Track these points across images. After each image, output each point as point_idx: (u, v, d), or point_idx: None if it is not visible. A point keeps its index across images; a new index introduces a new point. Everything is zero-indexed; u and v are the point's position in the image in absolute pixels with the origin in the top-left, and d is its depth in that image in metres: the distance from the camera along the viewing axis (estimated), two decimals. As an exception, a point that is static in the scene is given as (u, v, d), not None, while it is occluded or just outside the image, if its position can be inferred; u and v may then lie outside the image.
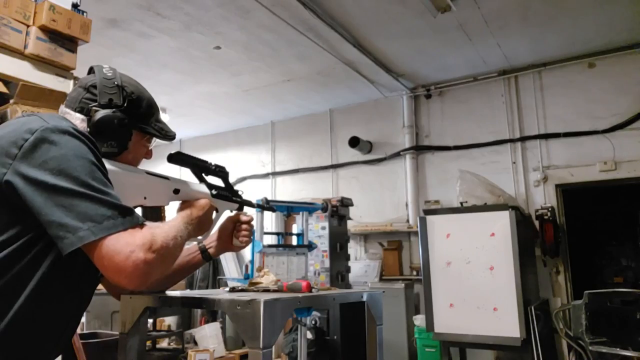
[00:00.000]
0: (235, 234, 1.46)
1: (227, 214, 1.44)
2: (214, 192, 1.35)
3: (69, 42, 2.26)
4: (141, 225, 0.97)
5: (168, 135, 1.28)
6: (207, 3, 3.80)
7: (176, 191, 1.25)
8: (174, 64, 4.89)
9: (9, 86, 2.05)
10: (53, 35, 2.18)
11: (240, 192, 1.48)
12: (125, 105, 1.15)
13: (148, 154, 1.29)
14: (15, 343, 0.94)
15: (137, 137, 1.20)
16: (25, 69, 2.10)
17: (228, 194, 1.40)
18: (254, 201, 1.58)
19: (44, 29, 2.14)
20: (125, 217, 0.94)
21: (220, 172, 1.38)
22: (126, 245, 0.91)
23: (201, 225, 1.25)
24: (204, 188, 1.34)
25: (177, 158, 1.27)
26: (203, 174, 1.35)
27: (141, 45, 4.43)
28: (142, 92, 1.21)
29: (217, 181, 1.40)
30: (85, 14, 2.37)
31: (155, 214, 1.28)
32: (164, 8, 3.86)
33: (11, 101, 1.96)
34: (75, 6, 2.35)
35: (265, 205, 1.77)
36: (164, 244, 0.99)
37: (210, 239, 1.46)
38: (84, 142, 0.97)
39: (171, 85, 5.42)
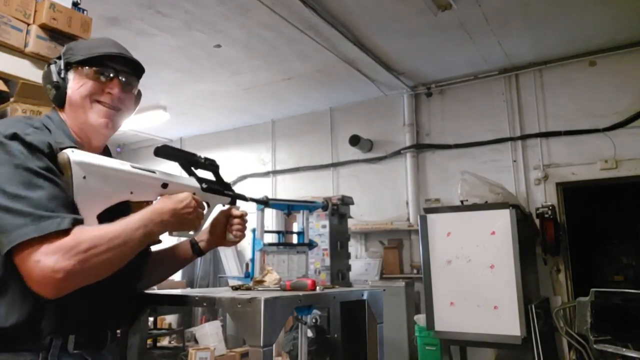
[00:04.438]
0: (228, 229, 1.43)
1: (220, 208, 1.43)
2: (203, 185, 1.31)
3: (70, 41, 2.25)
4: (65, 231, 0.94)
5: (93, 56, 1.18)
6: (207, 1, 3.79)
7: (164, 185, 1.21)
8: (174, 62, 4.89)
9: (9, 85, 2.05)
10: (53, 34, 2.17)
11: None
12: (61, 56, 1.21)
13: (100, 88, 1.18)
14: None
15: (74, 74, 1.18)
16: (26, 68, 2.09)
17: (219, 187, 1.37)
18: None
19: (44, 27, 2.14)
20: (39, 224, 0.92)
21: (211, 165, 1.34)
22: (33, 254, 0.91)
23: (182, 219, 1.18)
24: (193, 182, 1.30)
25: (163, 152, 1.23)
26: (192, 168, 1.32)
27: (141, 43, 4.43)
28: (78, 42, 1.27)
29: (208, 175, 1.37)
30: (85, 12, 2.36)
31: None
32: (164, 6, 3.85)
33: (11, 100, 1.96)
34: (75, 4, 2.34)
35: (259, 200, 1.70)
36: (91, 247, 0.96)
37: (202, 233, 1.43)
38: (18, 146, 0.98)
39: (171, 83, 5.41)
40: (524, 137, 5.14)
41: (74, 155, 1.04)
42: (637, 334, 3.11)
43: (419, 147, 5.68)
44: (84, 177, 1.03)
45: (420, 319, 4.49)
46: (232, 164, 6.87)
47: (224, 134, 7.22)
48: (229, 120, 6.80)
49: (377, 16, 4.11)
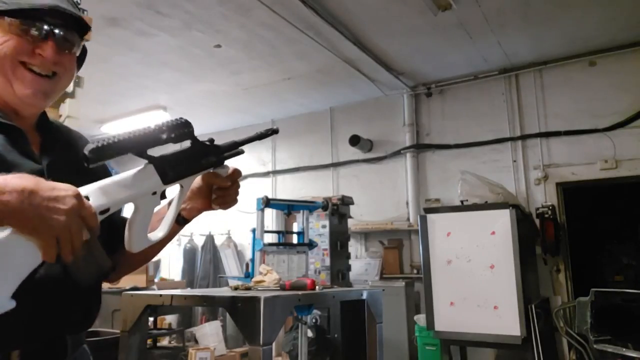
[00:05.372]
0: (213, 200, 1.12)
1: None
2: (166, 174, 0.90)
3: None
4: None
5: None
6: (207, 1, 3.79)
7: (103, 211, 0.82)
8: (174, 62, 4.89)
9: None
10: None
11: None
12: None
13: (28, 48, 0.92)
14: None
15: None
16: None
17: (191, 162, 0.96)
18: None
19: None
20: None
21: (178, 133, 0.87)
22: None
23: (35, 213, 0.68)
24: (147, 177, 0.88)
25: (96, 156, 0.77)
26: (147, 152, 0.86)
27: (141, 43, 4.43)
28: None
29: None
30: (85, 12, 2.37)
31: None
32: (164, 6, 3.85)
33: None
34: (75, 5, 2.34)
35: (262, 135, 1.20)
36: None
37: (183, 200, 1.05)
38: None
39: (171, 83, 5.41)
40: (524, 137, 5.14)
41: None
42: (637, 334, 3.11)
43: (419, 147, 5.68)
44: None
45: (420, 319, 4.49)
46: (232, 164, 6.86)
47: (223, 134, 7.22)
48: (229, 120, 6.80)
49: (377, 16, 4.11)
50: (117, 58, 4.65)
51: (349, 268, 5.00)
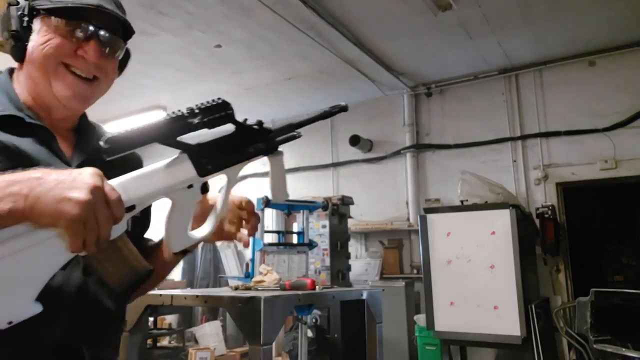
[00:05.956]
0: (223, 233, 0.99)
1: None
2: (204, 167, 0.79)
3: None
4: None
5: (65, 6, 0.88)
6: (208, 1, 3.80)
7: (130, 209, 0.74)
8: (175, 62, 4.89)
9: None
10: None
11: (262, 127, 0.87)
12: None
13: (71, 49, 0.89)
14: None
15: (40, 24, 0.90)
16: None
17: (236, 148, 0.83)
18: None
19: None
20: None
21: (216, 116, 0.76)
22: None
23: (55, 199, 0.62)
24: (180, 168, 0.77)
25: (115, 147, 0.69)
26: (177, 140, 0.75)
27: (142, 43, 4.43)
28: None
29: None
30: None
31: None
32: (165, 6, 3.86)
33: None
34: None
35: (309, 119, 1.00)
36: None
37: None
38: None
39: (173, 83, 5.42)
40: (524, 137, 5.14)
41: None
42: (637, 334, 3.11)
43: (419, 147, 5.68)
44: None
45: (420, 319, 4.50)
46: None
47: (224, 134, 7.22)
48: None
49: (377, 16, 4.11)
50: (118, 58, 4.66)
51: (349, 268, 5.00)
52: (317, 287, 1.37)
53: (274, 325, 1.08)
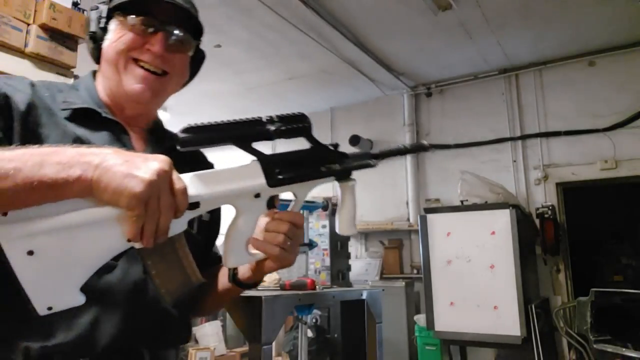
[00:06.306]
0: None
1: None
2: (275, 176, 0.76)
3: (70, 41, 2.26)
4: None
5: None
6: (209, 1, 3.80)
7: (191, 206, 0.70)
8: (174, 62, 4.90)
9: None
10: (53, 34, 2.18)
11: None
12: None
13: (140, 43, 0.91)
14: None
15: (115, 24, 0.94)
16: (26, 68, 2.10)
17: (309, 166, 0.80)
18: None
19: (44, 27, 2.14)
20: None
21: (292, 127, 0.77)
22: None
23: (121, 182, 0.61)
24: (252, 175, 0.75)
25: (193, 137, 0.68)
26: (252, 144, 0.75)
27: (142, 43, 4.44)
28: None
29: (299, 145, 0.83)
30: (85, 12, 2.37)
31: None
32: (164, 6, 3.86)
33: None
34: (75, 5, 2.35)
35: (418, 146, 0.95)
36: None
37: None
38: None
39: (172, 83, 5.42)
40: (523, 137, 5.14)
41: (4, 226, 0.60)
42: (637, 334, 3.11)
43: (419, 147, 5.68)
44: (30, 253, 0.61)
45: (420, 319, 4.49)
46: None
47: (224, 134, 7.22)
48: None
49: (377, 17, 4.11)
50: (118, 58, 4.66)
51: (349, 268, 4.98)
52: (317, 287, 1.37)
53: (274, 325, 1.08)
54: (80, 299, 0.65)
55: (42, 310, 0.63)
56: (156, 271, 0.71)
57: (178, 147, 0.68)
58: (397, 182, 5.80)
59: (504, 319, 3.66)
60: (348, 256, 5.04)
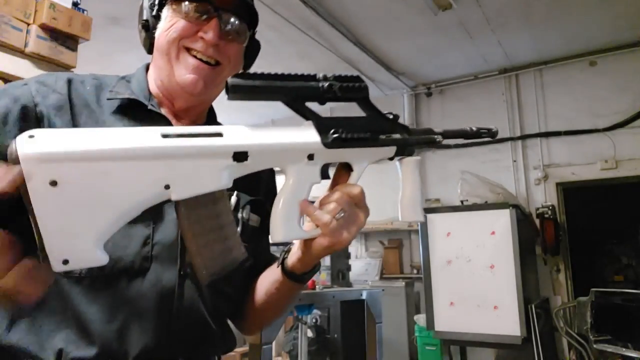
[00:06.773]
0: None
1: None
2: (331, 136, 0.70)
3: (70, 40, 2.26)
4: None
5: None
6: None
7: (240, 156, 0.64)
8: (174, 62, 4.89)
9: (10, 84, 2.05)
10: (54, 34, 2.18)
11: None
12: None
13: (192, 31, 0.86)
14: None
15: (168, 11, 0.89)
16: (26, 68, 2.10)
17: (369, 131, 0.72)
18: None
19: (44, 27, 2.14)
20: None
21: (347, 88, 0.71)
22: None
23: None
24: (306, 133, 0.70)
25: (242, 85, 0.64)
26: (305, 103, 0.71)
27: (142, 43, 4.44)
28: None
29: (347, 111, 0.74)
30: (85, 12, 2.37)
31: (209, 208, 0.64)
32: (164, 6, 3.86)
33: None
34: (75, 4, 2.35)
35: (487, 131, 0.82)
36: None
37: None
38: (25, 85, 0.80)
39: (172, 83, 5.42)
40: (524, 137, 5.14)
41: (29, 145, 0.52)
42: (637, 334, 3.11)
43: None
44: (54, 184, 0.53)
45: (420, 319, 4.49)
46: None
47: (224, 133, 7.21)
48: (229, 119, 6.77)
49: (377, 16, 4.11)
50: (119, 56, 4.65)
51: (349, 268, 4.98)
52: (317, 287, 1.36)
53: (274, 325, 1.08)
54: (102, 259, 0.56)
55: (56, 264, 0.53)
56: (196, 247, 0.63)
57: (227, 95, 0.64)
58: (397, 182, 5.77)
59: (504, 319, 3.66)
60: (348, 256, 5.04)
